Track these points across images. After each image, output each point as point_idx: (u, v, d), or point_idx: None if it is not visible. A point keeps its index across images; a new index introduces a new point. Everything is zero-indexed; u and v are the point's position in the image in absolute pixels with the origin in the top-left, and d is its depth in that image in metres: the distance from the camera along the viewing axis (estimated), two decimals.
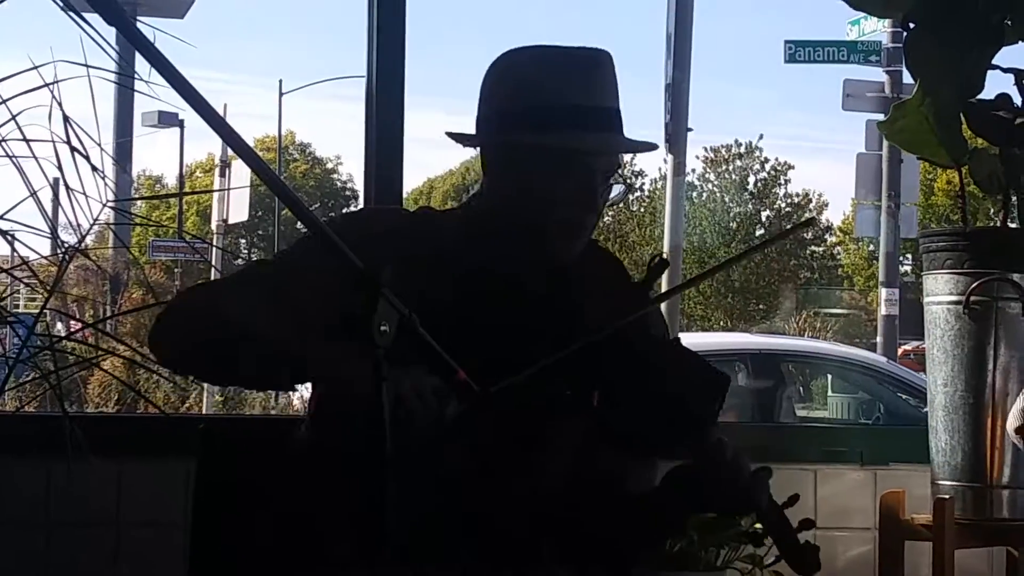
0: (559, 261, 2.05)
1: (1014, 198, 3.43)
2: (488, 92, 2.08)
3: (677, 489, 2.05)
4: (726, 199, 31.78)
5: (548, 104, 2.00)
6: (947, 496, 3.25)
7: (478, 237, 2.01)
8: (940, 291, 3.34)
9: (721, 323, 29.56)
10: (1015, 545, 3.47)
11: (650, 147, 2.13)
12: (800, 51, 15.09)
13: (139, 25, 1.69)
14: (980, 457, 3.27)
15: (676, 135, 8.32)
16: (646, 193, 31.35)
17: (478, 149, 2.13)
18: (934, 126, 3.39)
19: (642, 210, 30.65)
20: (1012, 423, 2.78)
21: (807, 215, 32.85)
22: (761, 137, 31.89)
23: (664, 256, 1.98)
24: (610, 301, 2.03)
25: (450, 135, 2.13)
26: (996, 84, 3.43)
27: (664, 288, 1.97)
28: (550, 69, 2.03)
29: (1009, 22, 3.37)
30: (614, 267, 2.17)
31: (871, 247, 25.04)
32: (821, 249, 33.86)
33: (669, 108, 8.29)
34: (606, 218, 31.68)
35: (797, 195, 32.80)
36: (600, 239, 2.19)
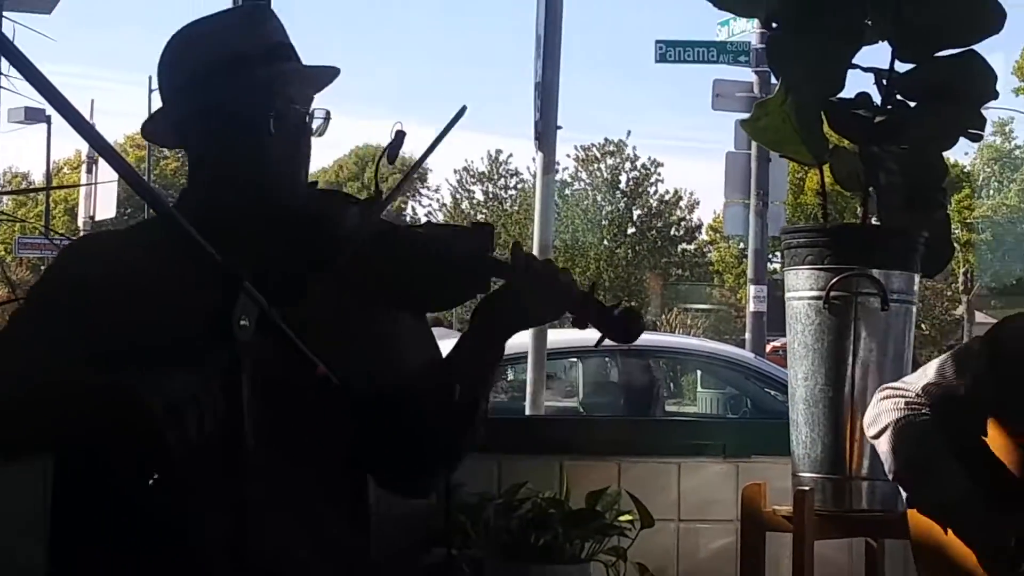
0: (290, 202, 2.13)
1: (874, 195, 3.49)
2: (167, 84, 2.16)
3: (497, 311, 2.14)
4: (598, 197, 32.01)
5: (220, 56, 2.09)
6: (807, 488, 3.30)
7: (204, 218, 1.94)
8: (801, 287, 3.39)
9: None
10: (874, 536, 3.54)
11: (332, 71, 2.19)
12: (670, 51, 15.25)
13: (4, 20, 1.68)
14: (839, 449, 3.31)
15: (546, 133, 8.32)
16: (519, 192, 31.49)
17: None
18: (796, 124, 3.44)
19: (516, 209, 30.77)
20: (869, 431, 2.82)
21: (678, 214, 33.20)
22: (629, 134, 32.13)
23: (401, 129, 2.05)
24: (351, 224, 2.08)
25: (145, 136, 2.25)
26: (857, 83, 3.50)
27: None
28: (209, 30, 2.14)
29: (869, 22, 3.43)
30: (340, 198, 2.25)
31: (741, 245, 25.37)
32: (692, 247, 34.25)
33: (539, 107, 8.30)
34: (478, 216, 31.76)
35: (668, 193, 33.14)
36: None
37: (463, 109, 2.14)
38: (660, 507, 3.66)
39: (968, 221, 29.74)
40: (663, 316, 29.15)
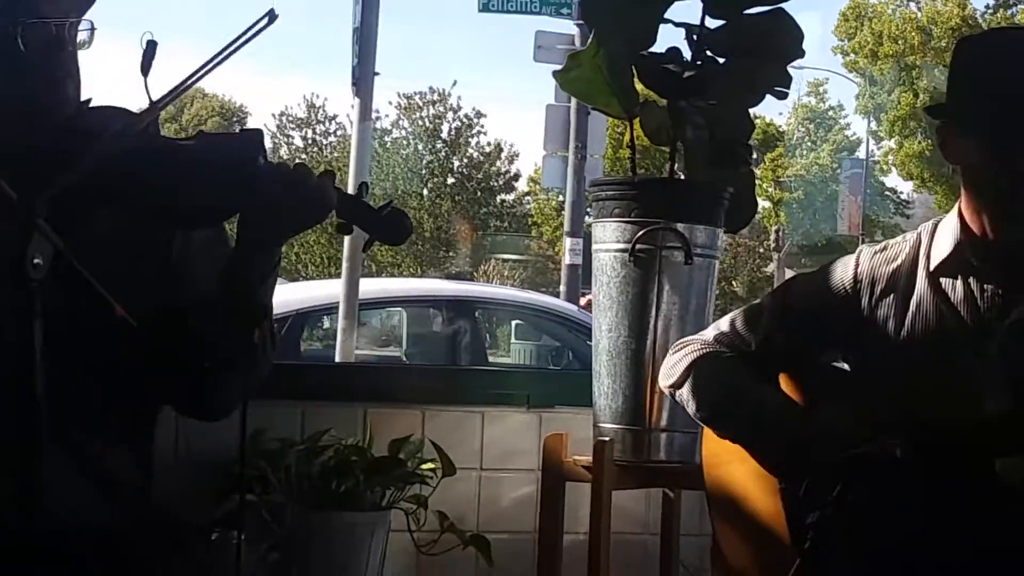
0: (54, 119, 2.11)
1: (682, 150, 3.52)
2: None
3: (258, 221, 2.13)
4: (419, 146, 31.95)
5: None
6: (607, 439, 3.33)
7: None
8: (608, 239, 3.41)
9: (411, 269, 29.75)
10: (671, 486, 3.59)
11: None
12: (493, 0, 15.20)
13: None
14: (640, 401, 3.35)
15: (363, 79, 8.29)
16: (338, 139, 31.26)
17: None
18: (607, 77, 3.45)
19: (335, 155, 30.55)
20: (663, 381, 2.84)
21: (499, 165, 33.29)
22: (454, 84, 32.11)
23: (152, 39, 2.03)
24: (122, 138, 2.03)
25: None
26: (668, 38, 3.52)
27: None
28: None
29: None
30: (112, 112, 2.21)
31: (560, 198, 25.55)
32: (511, 198, 34.41)
33: (356, 52, 8.26)
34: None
35: (489, 144, 33.22)
36: None
37: (271, 13, 2.09)
38: (463, 456, 3.68)
39: (781, 179, 30.35)
40: (480, 267, 29.30)
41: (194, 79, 1.90)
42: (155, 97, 1.92)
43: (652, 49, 3.49)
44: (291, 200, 2.09)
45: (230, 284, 2.15)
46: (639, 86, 3.53)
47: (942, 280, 2.55)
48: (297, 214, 2.13)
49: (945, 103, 2.58)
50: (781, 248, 30.96)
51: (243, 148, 2.12)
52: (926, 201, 30.86)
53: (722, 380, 2.69)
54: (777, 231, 30.94)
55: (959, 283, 2.53)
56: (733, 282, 30.42)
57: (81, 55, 2.20)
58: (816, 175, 30.59)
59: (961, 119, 2.52)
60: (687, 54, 3.46)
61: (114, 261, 1.97)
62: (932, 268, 2.56)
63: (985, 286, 2.51)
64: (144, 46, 2.05)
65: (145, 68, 2.05)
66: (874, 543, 2.42)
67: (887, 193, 30.48)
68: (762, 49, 3.47)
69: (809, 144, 31.39)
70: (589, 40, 3.46)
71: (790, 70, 3.60)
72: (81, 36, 2.16)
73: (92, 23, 2.16)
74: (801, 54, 3.48)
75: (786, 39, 3.47)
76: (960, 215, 2.56)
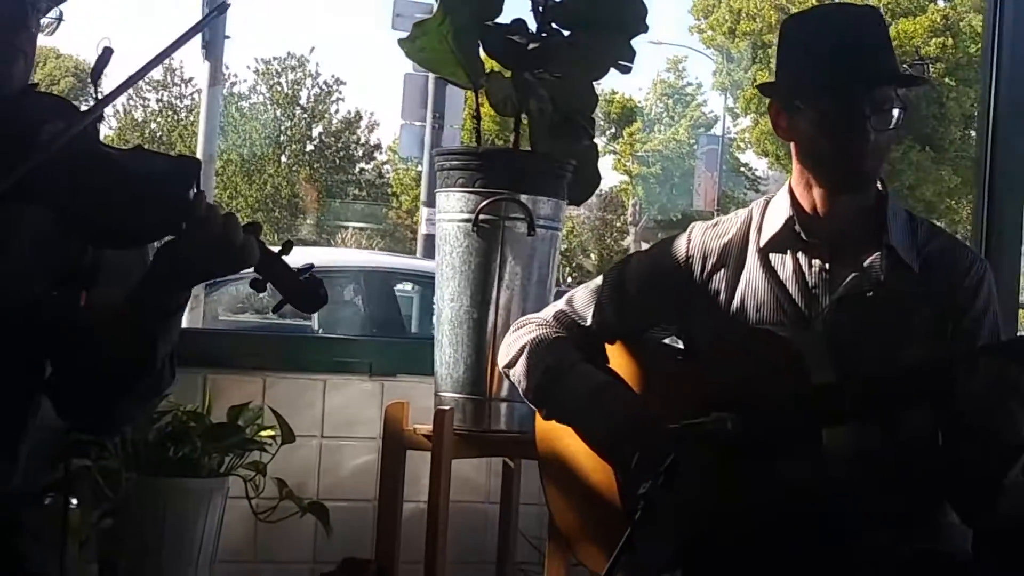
0: (4, 84, 2.08)
1: (526, 122, 3.54)
2: None
3: (173, 259, 2.07)
4: (278, 112, 31.59)
5: None
6: (447, 408, 3.34)
7: None
8: (452, 208, 3.42)
9: (267, 237, 29.46)
10: (510, 456, 3.62)
11: None
12: None
13: None
14: (481, 371, 3.37)
15: (213, 43, 8.20)
16: (194, 102, 30.79)
17: None
18: (453, 47, 3.44)
19: (190, 119, 30.10)
20: (500, 360, 2.86)
21: (359, 132, 33.08)
22: (312, 50, 31.78)
23: (108, 47, 1.99)
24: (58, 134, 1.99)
25: None
26: (515, 9, 3.52)
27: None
28: None
29: None
30: (53, 103, 2.15)
31: (419, 167, 25.47)
32: (371, 167, 34.20)
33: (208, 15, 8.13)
34: (151, 126, 30.99)
35: (349, 112, 32.96)
36: (146, 145, 2.19)
37: (224, 4, 2.04)
38: (304, 423, 3.67)
39: (639, 154, 30.56)
40: (337, 235, 29.12)
41: (143, 72, 1.88)
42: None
43: (498, 20, 3.50)
44: (212, 245, 2.02)
45: (134, 310, 2.09)
46: (486, 57, 3.54)
47: (772, 256, 2.61)
48: (214, 260, 2.05)
49: (775, 80, 2.64)
50: (638, 222, 31.18)
51: (178, 176, 2.04)
52: (780, 178, 31.29)
53: (547, 362, 2.72)
54: (634, 205, 31.15)
55: (788, 258, 2.59)
56: (591, 255, 30.62)
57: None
58: (673, 150, 30.82)
59: (789, 95, 2.58)
60: (533, 26, 3.48)
61: (33, 264, 1.93)
62: (762, 244, 2.62)
63: (813, 261, 2.57)
64: (100, 51, 2.00)
65: (96, 74, 2.01)
66: (703, 512, 2.46)
67: (743, 170, 30.79)
68: (606, 23, 3.50)
69: (667, 120, 31.61)
70: (435, 9, 3.45)
71: (650, 46, 3.64)
72: (47, 21, 2.12)
73: (62, 13, 2.11)
74: (644, 28, 3.51)
75: (630, 13, 3.50)
76: (791, 191, 2.62)
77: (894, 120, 2.50)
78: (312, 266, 2.13)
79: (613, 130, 29.78)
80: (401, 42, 3.51)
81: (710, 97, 31.83)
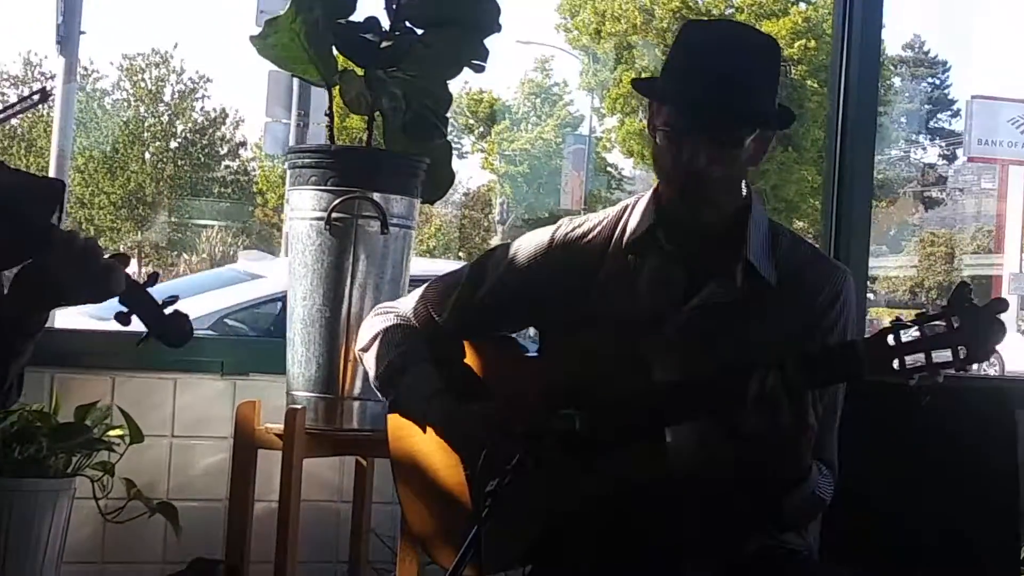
0: None
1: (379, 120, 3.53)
2: None
3: (34, 283, 2.03)
4: (141, 109, 31.15)
5: None
6: (299, 406, 3.33)
7: None
8: (304, 207, 3.40)
9: (132, 236, 29.05)
10: (363, 454, 3.61)
11: None
12: None
13: None
14: (333, 369, 3.36)
15: (68, 37, 8.06)
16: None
17: None
18: (305, 44, 3.42)
19: (51, 115, 29.56)
20: (357, 344, 2.86)
21: (224, 130, 32.74)
22: (176, 46, 31.37)
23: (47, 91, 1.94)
24: None
25: None
26: (368, 7, 3.52)
27: None
28: None
29: None
30: None
31: (285, 165, 25.26)
32: (236, 164, 33.87)
33: (62, 10, 8.00)
34: (12, 121, 30.35)
35: (215, 110, 32.61)
36: (4, 142, 2.14)
37: (43, 92, 1.99)
38: (154, 423, 3.63)
39: (507, 153, 30.64)
40: (203, 233, 28.81)
41: None
42: None
43: (352, 18, 3.49)
44: (75, 272, 1.99)
45: None
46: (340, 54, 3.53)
47: (632, 258, 2.61)
48: (77, 288, 2.02)
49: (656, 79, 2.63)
50: (505, 221, 31.27)
51: (42, 196, 1.99)
52: (646, 178, 31.56)
53: (399, 351, 2.72)
54: (502, 204, 31.25)
55: (647, 262, 2.59)
56: (460, 253, 30.64)
57: None
58: (541, 150, 30.94)
59: (650, 96, 2.59)
60: (386, 24, 3.47)
61: None
62: (624, 245, 2.62)
63: (671, 266, 2.58)
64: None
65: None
66: (550, 510, 2.48)
67: (609, 169, 31.02)
68: (460, 22, 3.50)
69: (535, 119, 31.74)
70: (288, 6, 3.43)
71: (518, 45, 3.65)
72: None
73: None
74: (498, 28, 3.52)
75: (484, 13, 3.51)
76: (655, 194, 2.62)
77: (743, 155, 2.49)
78: (177, 298, 2.10)
79: (481, 129, 29.84)
80: (253, 39, 3.48)
81: (576, 97, 32.00)
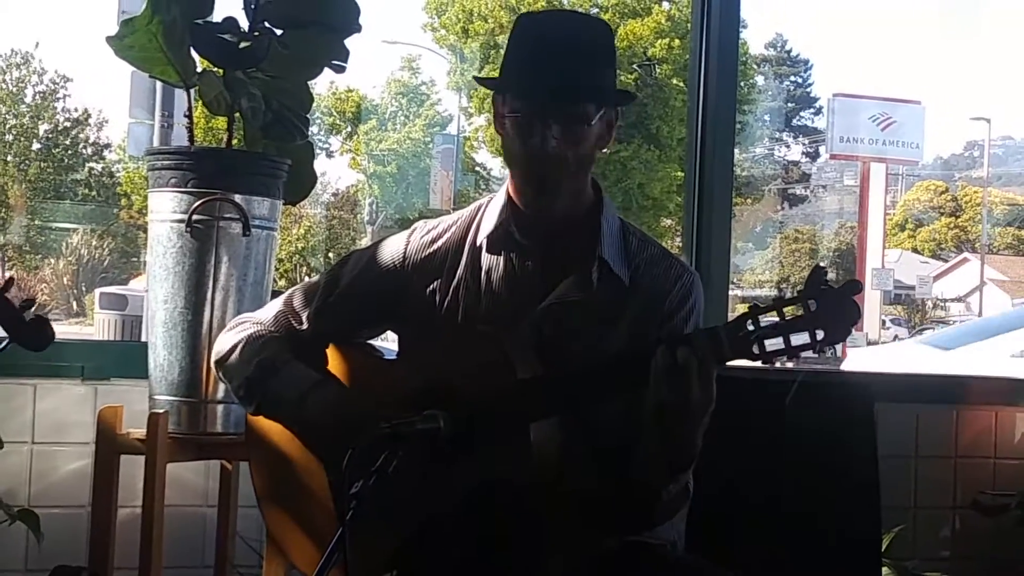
0: None
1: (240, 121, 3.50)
2: None
3: None
4: (2, 110, 30.58)
5: None
6: (161, 411, 3.29)
7: None
8: (164, 209, 3.36)
9: None
10: (228, 458, 3.59)
11: None
12: None
13: None
14: (196, 373, 3.33)
15: None
16: None
17: None
18: (163, 45, 3.38)
19: None
20: (213, 358, 2.82)
21: (87, 131, 32.24)
22: (37, 45, 30.78)
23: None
24: None
25: None
26: (227, 7, 3.49)
27: None
28: None
29: None
30: None
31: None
32: (100, 166, 33.37)
33: None
34: None
35: (77, 110, 32.09)
36: None
37: None
38: (13, 429, 3.58)
39: (375, 153, 30.56)
40: (67, 238, 28.32)
41: None
42: None
43: (210, 18, 3.46)
44: None
45: None
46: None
47: (488, 256, 2.63)
48: None
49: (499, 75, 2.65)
50: (375, 221, 31.18)
51: None
52: None
53: (259, 358, 2.70)
54: (371, 204, 31.15)
55: (502, 259, 2.62)
56: (330, 254, 30.49)
57: None
58: (409, 149, 30.90)
59: (497, 90, 2.61)
60: (245, 24, 3.45)
61: None
62: (479, 243, 2.64)
63: (527, 263, 2.60)
64: None
65: None
66: (416, 511, 2.49)
67: (477, 168, 31.10)
68: (319, 22, 3.49)
69: (402, 118, 31.70)
70: (144, 6, 3.39)
71: (384, 44, 3.65)
72: None
73: None
74: (358, 28, 3.51)
75: (343, 13, 3.50)
76: (508, 193, 2.64)
77: (587, 134, 2.53)
78: (34, 302, 2.08)
79: (349, 129, 29.72)
80: (110, 40, 3.43)
81: (444, 96, 32.03)
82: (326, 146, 29.37)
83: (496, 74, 2.62)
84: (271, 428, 2.72)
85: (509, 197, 2.63)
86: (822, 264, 2.39)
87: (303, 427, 2.65)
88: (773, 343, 2.30)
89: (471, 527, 2.49)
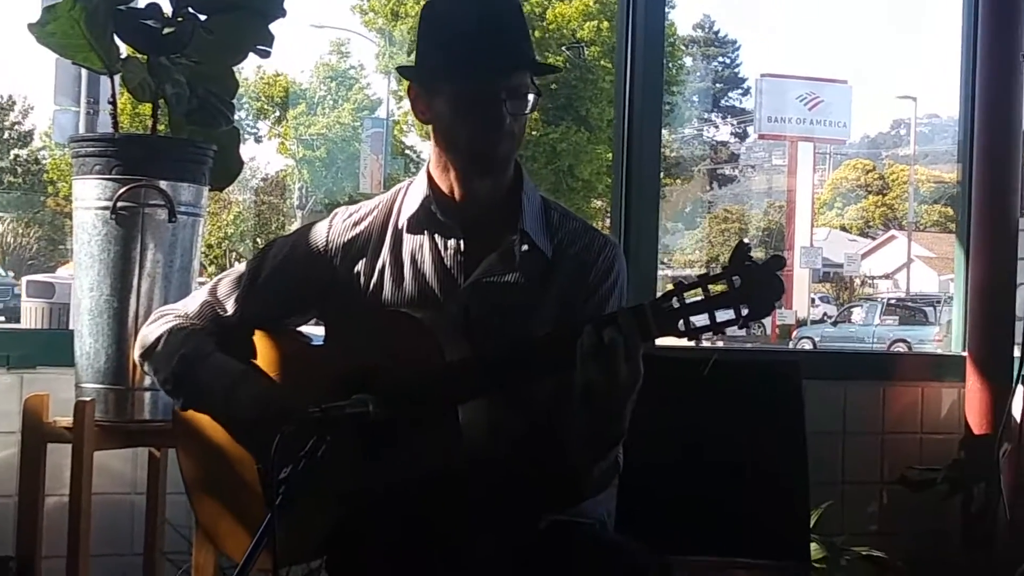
0: None
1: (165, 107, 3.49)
2: None
3: None
4: None
5: None
6: (88, 399, 3.28)
7: None
8: (89, 196, 3.35)
9: None
10: (156, 445, 3.57)
11: None
12: None
13: None
14: (123, 360, 3.32)
15: None
16: None
17: None
18: (85, 31, 3.36)
19: None
20: (136, 351, 2.81)
21: (12, 117, 31.91)
22: None
23: None
24: None
25: None
26: None
27: None
28: None
29: None
30: None
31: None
32: (25, 153, 33.02)
33: None
34: None
35: (1, 97, 31.74)
36: None
37: None
38: None
39: (304, 138, 30.41)
40: None
41: None
42: None
43: (133, 4, 3.44)
44: None
45: None
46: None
47: (410, 237, 2.65)
48: None
49: (415, 63, 2.67)
50: (305, 206, 31.05)
51: None
52: None
53: (183, 350, 2.69)
54: (300, 189, 31.01)
55: (425, 240, 2.63)
56: (258, 240, 30.34)
57: None
58: (338, 134, 30.77)
59: (425, 77, 2.62)
60: (168, 10, 3.43)
61: None
62: (400, 225, 2.65)
63: (449, 243, 2.62)
64: None
65: None
66: (345, 496, 2.49)
67: (407, 152, 31.03)
68: (243, 7, 3.48)
69: (331, 102, 31.56)
70: None
71: (312, 28, 3.63)
72: None
73: None
74: (283, 13, 3.51)
75: None
76: (428, 174, 2.66)
77: (529, 106, 2.57)
78: None
79: (277, 113, 29.54)
80: (31, 26, 3.40)
81: (374, 80, 31.93)
82: (255, 131, 29.17)
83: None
84: (199, 415, 2.71)
85: (430, 179, 2.65)
86: (749, 242, 2.40)
87: (230, 419, 2.64)
88: (698, 319, 2.31)
89: (401, 510, 2.50)
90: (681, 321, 2.31)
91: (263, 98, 29.05)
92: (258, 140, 29.25)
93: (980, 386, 4.85)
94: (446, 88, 2.56)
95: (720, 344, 7.11)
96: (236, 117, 3.57)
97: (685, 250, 32.94)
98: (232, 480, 2.67)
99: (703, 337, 2.33)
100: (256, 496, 2.58)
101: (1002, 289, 4.86)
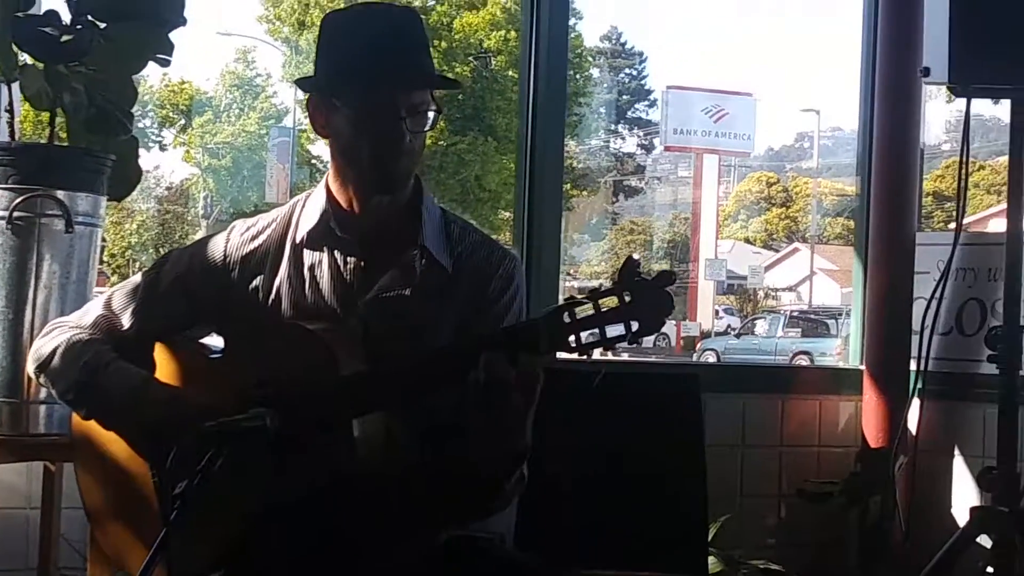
0: None
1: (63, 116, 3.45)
2: None
3: None
4: None
5: None
6: None
7: None
8: None
9: None
10: (52, 459, 3.52)
11: None
12: None
13: None
14: (18, 373, 3.27)
15: None
16: None
17: None
18: None
19: None
20: (30, 365, 2.76)
21: None
22: None
23: None
24: None
25: None
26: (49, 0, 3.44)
27: None
28: None
29: None
30: None
31: None
32: None
33: None
34: None
35: None
36: None
37: None
38: None
39: (209, 147, 30.19)
40: None
41: None
42: None
43: (32, 11, 3.40)
44: None
45: None
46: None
47: (308, 252, 2.64)
48: None
49: (314, 75, 2.66)
50: (210, 215, 30.82)
51: None
52: None
53: (81, 361, 2.66)
54: (205, 199, 30.77)
55: (324, 255, 2.62)
56: (162, 248, 30.09)
57: None
58: (244, 143, 30.57)
59: (323, 91, 2.61)
60: (67, 17, 3.39)
61: None
62: (298, 240, 2.64)
63: (348, 258, 2.62)
64: None
65: None
66: (243, 510, 2.47)
67: (314, 161, 30.90)
68: (143, 15, 3.45)
69: (237, 111, 31.35)
70: None
71: (218, 36, 3.61)
72: None
73: None
74: (183, 22, 3.48)
75: (167, 6, 3.47)
76: (327, 188, 2.65)
77: (429, 122, 2.57)
78: None
79: (182, 122, 29.28)
80: None
81: (280, 89, 31.76)
82: (159, 139, 28.90)
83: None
84: (96, 428, 2.68)
85: (329, 192, 2.64)
86: (638, 258, 2.41)
87: (131, 427, 2.61)
88: (589, 335, 2.32)
89: (300, 524, 2.49)
90: (572, 336, 2.32)
91: (168, 106, 28.78)
92: (163, 148, 28.95)
93: (877, 399, 4.92)
94: (345, 104, 2.55)
95: (625, 356, 7.16)
96: (140, 125, 3.55)
97: (591, 261, 33.05)
98: (129, 495, 2.64)
99: (601, 351, 2.34)
100: (152, 510, 2.56)
101: (899, 303, 4.92)
